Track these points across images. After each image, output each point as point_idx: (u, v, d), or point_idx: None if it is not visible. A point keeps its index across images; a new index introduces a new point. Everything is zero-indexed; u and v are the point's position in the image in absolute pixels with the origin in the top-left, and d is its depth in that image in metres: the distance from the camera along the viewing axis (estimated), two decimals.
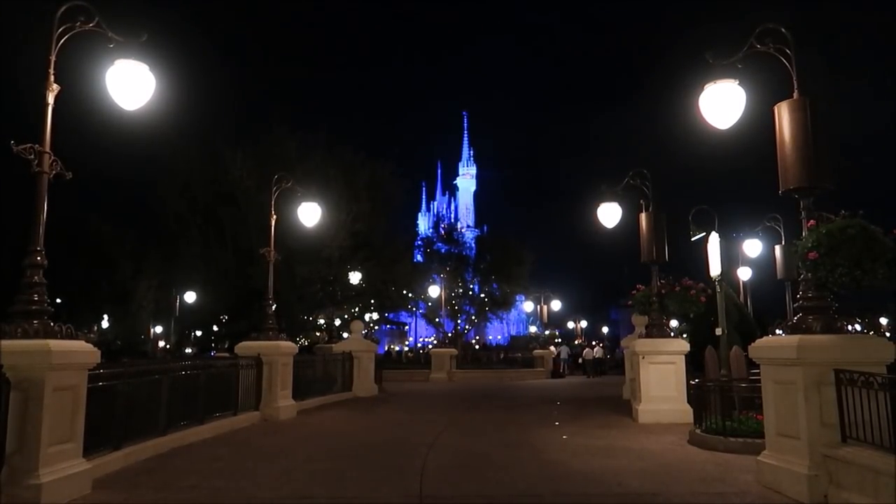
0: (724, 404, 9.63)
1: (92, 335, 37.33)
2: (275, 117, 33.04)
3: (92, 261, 39.51)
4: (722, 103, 7.95)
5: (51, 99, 7.17)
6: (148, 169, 33.89)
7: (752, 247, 18.88)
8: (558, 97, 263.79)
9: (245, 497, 6.95)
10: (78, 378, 6.99)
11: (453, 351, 33.88)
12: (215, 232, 32.27)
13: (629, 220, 14.01)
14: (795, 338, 6.70)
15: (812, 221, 6.73)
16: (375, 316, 46.97)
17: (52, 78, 7.18)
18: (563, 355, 39.90)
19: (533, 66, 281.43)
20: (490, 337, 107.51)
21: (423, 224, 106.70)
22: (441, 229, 53.64)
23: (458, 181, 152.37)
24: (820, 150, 6.84)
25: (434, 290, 44.02)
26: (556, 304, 51.75)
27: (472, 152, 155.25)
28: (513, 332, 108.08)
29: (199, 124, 35.22)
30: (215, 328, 41.02)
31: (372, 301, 41.27)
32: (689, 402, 11.59)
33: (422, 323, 65.37)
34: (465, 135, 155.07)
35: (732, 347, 11.42)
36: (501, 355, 46.74)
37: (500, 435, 11.53)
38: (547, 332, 49.30)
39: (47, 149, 7.06)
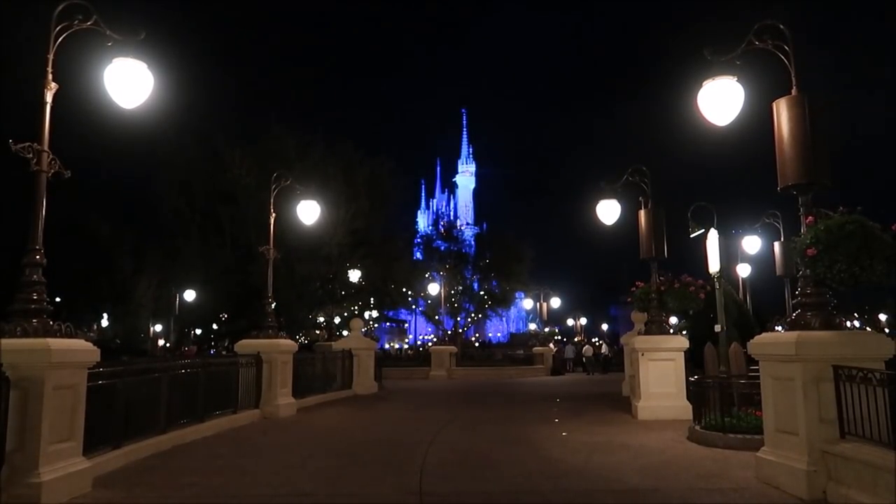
0: (724, 401, 9.64)
1: (91, 334, 37.32)
2: (274, 115, 33.13)
3: (91, 259, 39.46)
4: (720, 100, 7.93)
5: (49, 98, 7.16)
6: (147, 167, 34.02)
7: (752, 243, 18.89)
8: (557, 95, 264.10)
9: (245, 494, 6.96)
10: (78, 376, 6.99)
11: (453, 348, 33.86)
12: (215, 230, 32.31)
13: (628, 217, 14.03)
14: (794, 334, 6.71)
15: (811, 218, 6.72)
16: (375, 314, 47.00)
17: (50, 76, 7.17)
18: (570, 354, 39.71)
19: (532, 63, 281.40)
20: (490, 334, 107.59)
21: (423, 222, 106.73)
22: (440, 227, 53.57)
23: (458, 179, 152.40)
24: (818, 147, 6.82)
25: (434, 288, 44.01)
26: (555, 301, 51.86)
27: (471, 150, 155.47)
28: (512, 330, 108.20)
29: (198, 122, 35.36)
30: (215, 326, 41.07)
31: (371, 299, 41.30)
32: (688, 398, 11.59)
33: (421, 320, 65.32)
34: (465, 132, 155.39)
35: (731, 344, 11.44)
36: (503, 355, 46.60)
37: (500, 432, 11.53)
38: (546, 329, 49.27)
39: (46, 147, 7.05)
